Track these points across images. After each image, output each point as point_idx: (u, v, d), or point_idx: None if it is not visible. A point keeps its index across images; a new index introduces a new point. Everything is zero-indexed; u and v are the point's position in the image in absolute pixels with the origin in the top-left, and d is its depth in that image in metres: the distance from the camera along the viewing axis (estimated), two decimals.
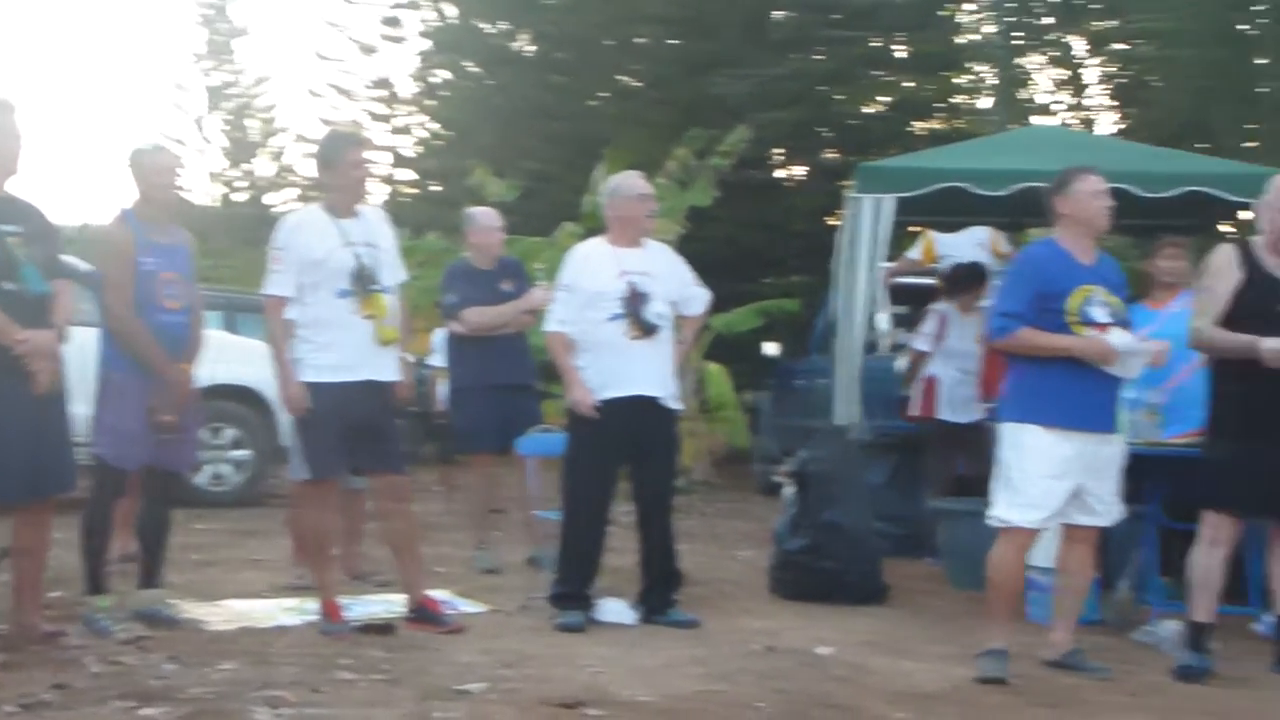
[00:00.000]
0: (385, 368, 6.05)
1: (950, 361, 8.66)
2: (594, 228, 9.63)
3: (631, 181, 6.65)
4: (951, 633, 6.32)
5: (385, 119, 26.93)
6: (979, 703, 5.03)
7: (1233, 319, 5.53)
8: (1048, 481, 5.43)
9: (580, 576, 6.42)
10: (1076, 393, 5.43)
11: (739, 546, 9.39)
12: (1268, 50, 10.60)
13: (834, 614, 6.73)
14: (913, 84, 19.32)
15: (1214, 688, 5.37)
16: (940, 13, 18.98)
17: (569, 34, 19.03)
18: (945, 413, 8.63)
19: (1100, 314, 5.47)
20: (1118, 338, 5.44)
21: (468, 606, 6.74)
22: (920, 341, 8.83)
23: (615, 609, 6.47)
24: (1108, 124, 16.08)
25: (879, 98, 19.79)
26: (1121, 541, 6.88)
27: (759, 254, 17.59)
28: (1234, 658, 5.82)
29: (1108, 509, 5.60)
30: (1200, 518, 5.66)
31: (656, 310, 6.41)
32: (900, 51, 19.42)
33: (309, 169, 29.08)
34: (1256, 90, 10.61)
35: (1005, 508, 5.51)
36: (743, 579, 7.85)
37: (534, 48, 20.76)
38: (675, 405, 6.57)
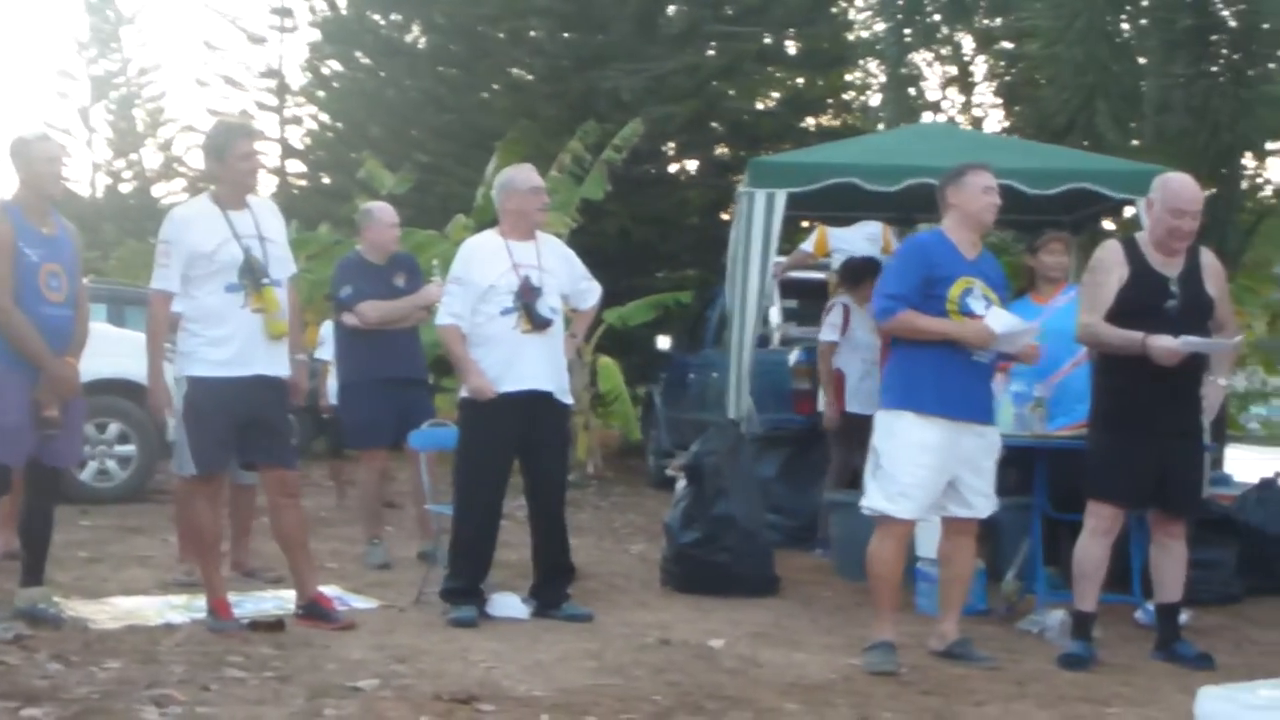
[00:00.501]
0: (275, 362, 5.98)
1: (855, 354, 8.70)
2: (486, 221, 9.60)
3: (524, 175, 6.63)
4: (841, 624, 6.38)
5: (275, 110, 26.68)
6: (869, 693, 5.08)
7: (1118, 314, 5.63)
8: (920, 471, 5.48)
9: (473, 571, 6.39)
10: (952, 382, 5.50)
11: (632, 540, 9.41)
12: (1149, 49, 10.82)
13: (726, 606, 6.76)
14: (804, 80, 19.47)
15: (1097, 675, 5.47)
16: (831, 10, 19.14)
17: (461, 26, 18.92)
18: (852, 405, 8.68)
19: (979, 306, 5.55)
20: (996, 319, 5.52)
21: (359, 602, 6.69)
22: (827, 332, 8.87)
23: (508, 603, 6.45)
24: (995, 121, 16.35)
25: (771, 93, 19.93)
26: (1008, 533, 7.01)
27: (652, 248, 17.63)
28: (1116, 645, 5.95)
29: (983, 501, 5.68)
30: (1085, 508, 5.76)
31: (549, 304, 6.40)
32: (791, 48, 19.57)
33: (197, 160, 28.68)
34: (1138, 89, 10.82)
35: (877, 497, 5.57)
36: (635, 572, 7.87)
37: (426, 40, 20.62)
38: (567, 399, 6.57)
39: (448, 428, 7.05)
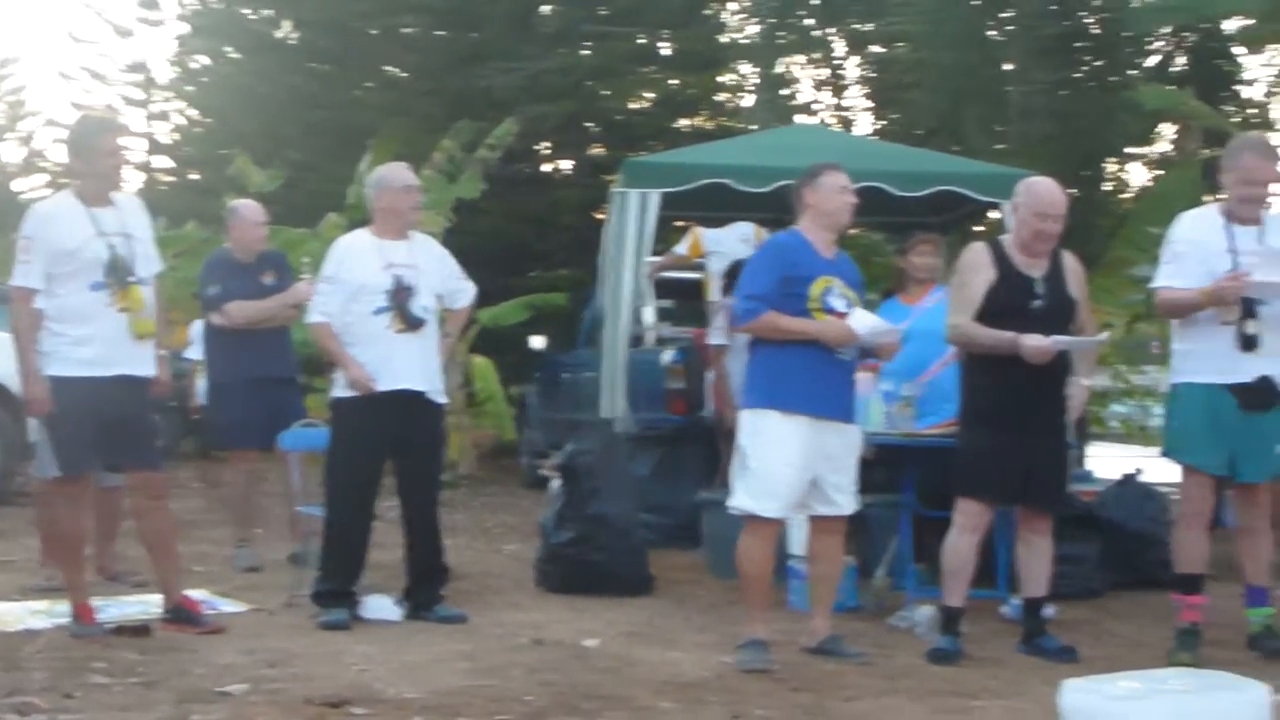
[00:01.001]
0: (141, 362, 5.87)
1: (739, 355, 8.72)
2: (359, 219, 9.50)
3: (397, 173, 6.59)
4: (714, 622, 6.42)
5: (141, 104, 26.13)
6: (742, 690, 5.12)
7: (986, 315, 5.72)
8: (786, 469, 5.53)
9: (345, 573, 6.33)
10: (814, 380, 5.55)
11: (506, 540, 9.38)
12: (1015, 56, 11.04)
13: (601, 606, 6.77)
14: (678, 81, 19.56)
15: (965, 668, 5.56)
16: (705, 12, 19.25)
17: (333, 22, 18.71)
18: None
19: (840, 304, 5.61)
20: (859, 321, 5.59)
21: (228, 606, 6.59)
22: (714, 335, 8.90)
23: (381, 605, 6.40)
24: (866, 124, 16.53)
25: (645, 94, 19.98)
26: (878, 530, 7.11)
27: (526, 247, 17.59)
28: (983, 639, 6.05)
29: (846, 499, 5.74)
30: (954, 506, 5.86)
31: (422, 303, 6.36)
32: (666, 49, 19.64)
33: (60, 155, 28.00)
34: (1005, 94, 11.04)
35: (744, 496, 5.60)
36: (509, 573, 7.85)
37: (297, 35, 20.36)
38: (441, 399, 6.53)
39: (319, 428, 6.97)
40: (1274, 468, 5.98)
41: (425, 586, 6.49)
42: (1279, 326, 5.77)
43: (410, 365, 6.30)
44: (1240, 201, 5.80)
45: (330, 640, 5.85)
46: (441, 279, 6.58)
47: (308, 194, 16.12)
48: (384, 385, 6.25)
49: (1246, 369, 5.70)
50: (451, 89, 17.37)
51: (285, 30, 20.69)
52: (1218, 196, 6.32)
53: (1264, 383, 5.72)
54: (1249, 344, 5.67)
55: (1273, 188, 5.98)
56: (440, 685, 5.05)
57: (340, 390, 6.36)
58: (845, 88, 16.85)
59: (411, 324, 6.29)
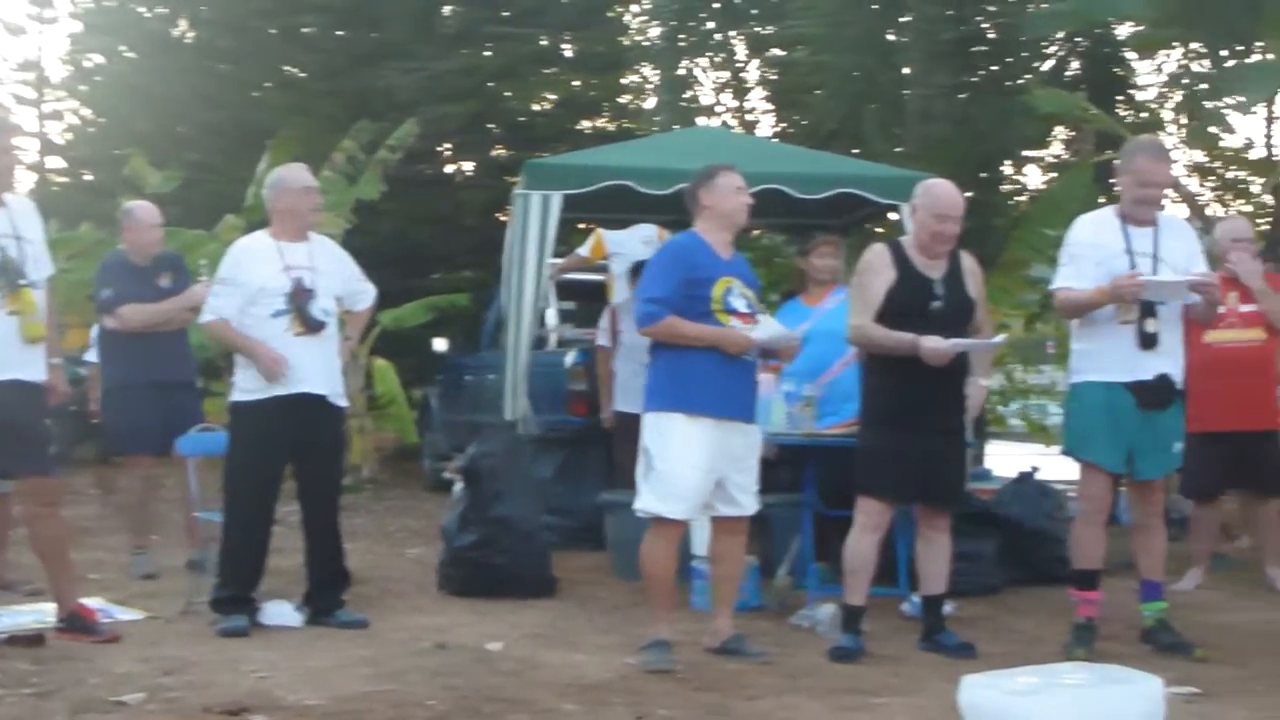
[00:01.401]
0: (31, 366, 5.75)
1: (632, 354, 8.74)
2: (256, 221, 9.39)
3: (296, 174, 6.52)
4: (618, 623, 6.42)
5: (34, 103, 25.64)
6: (646, 691, 5.13)
7: (886, 316, 5.77)
8: (691, 471, 5.54)
9: (244, 579, 6.25)
10: (718, 382, 5.57)
11: (408, 544, 9.32)
12: (913, 60, 11.16)
13: (504, 609, 6.75)
14: (580, 83, 19.56)
15: (866, 666, 5.61)
16: (607, 14, 19.26)
17: (231, 21, 18.48)
18: (620, 404, 8.71)
19: (741, 304, 5.65)
20: (761, 329, 5.62)
21: (124, 614, 6.49)
22: (600, 336, 8.91)
23: (281, 611, 6.33)
24: (768, 126, 16.63)
25: (547, 95, 19.95)
26: (780, 530, 7.15)
27: (428, 249, 17.49)
28: (884, 637, 6.11)
29: (749, 499, 5.77)
30: (855, 505, 5.90)
31: (322, 306, 6.30)
32: (568, 50, 19.63)
33: None
34: (904, 97, 11.15)
35: (650, 499, 5.61)
36: (412, 576, 7.80)
37: (194, 34, 20.08)
38: (342, 402, 6.48)
39: (217, 432, 6.88)
40: (1171, 465, 6.11)
41: (326, 592, 6.43)
42: (1176, 326, 5.89)
43: (310, 368, 6.24)
44: (1135, 203, 5.91)
45: (229, 647, 5.78)
46: (342, 281, 6.52)
47: (205, 195, 15.90)
48: (283, 389, 6.18)
49: (1146, 367, 5.81)
50: (352, 89, 17.22)
51: (182, 29, 20.40)
52: (1112, 198, 6.44)
53: (1162, 381, 5.84)
54: (1148, 342, 5.78)
55: (1166, 190, 6.12)
56: (342, 691, 5.01)
57: (239, 394, 6.28)
58: (747, 90, 16.96)
59: (311, 327, 6.23)
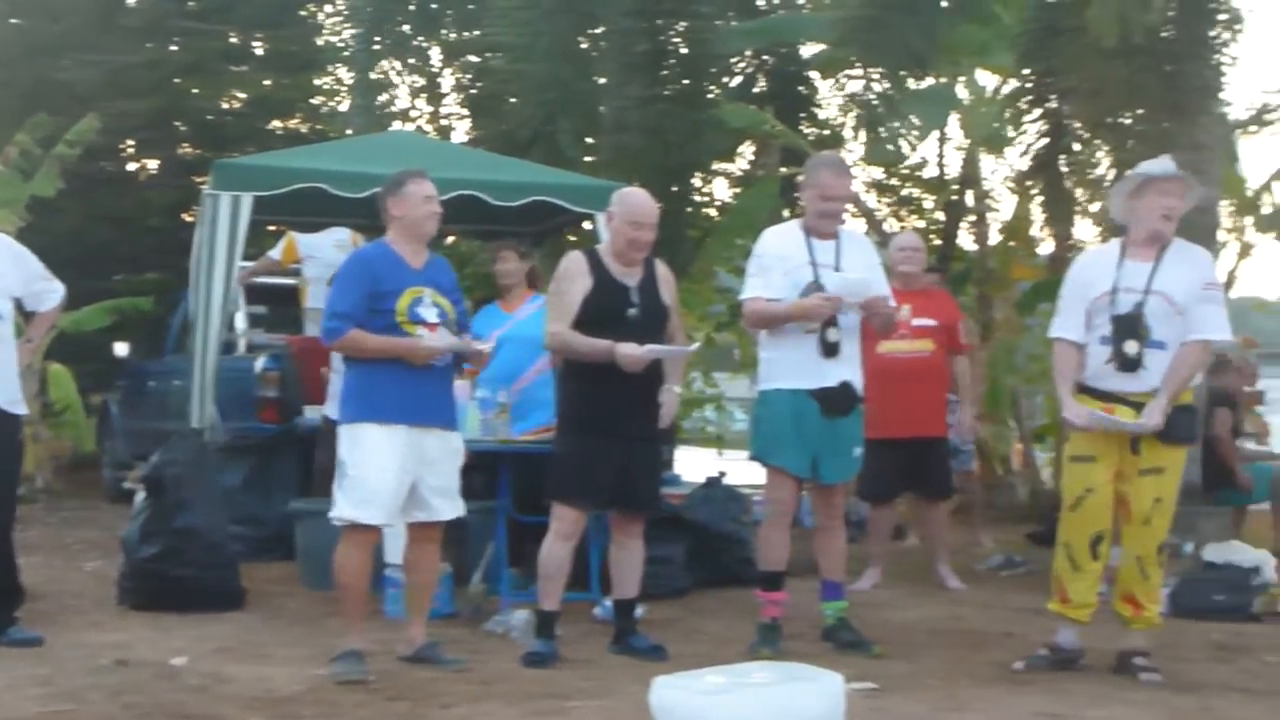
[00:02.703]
0: None
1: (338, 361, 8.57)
2: None
3: None
4: (309, 634, 6.31)
5: None
6: (337, 703, 5.05)
7: (583, 322, 5.84)
8: (384, 476, 5.50)
9: None
10: (408, 390, 5.55)
11: (86, 556, 8.95)
12: (608, 70, 11.29)
13: (189, 622, 6.54)
14: (271, 82, 19.13)
15: (559, 671, 5.66)
16: (300, 13, 18.89)
17: None
18: (330, 409, 8.53)
19: (430, 314, 5.62)
20: (438, 339, 5.61)
21: None
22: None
23: None
24: (463, 132, 16.56)
25: (237, 94, 19.44)
26: (474, 536, 7.15)
27: (110, 249, 16.84)
28: (577, 641, 6.17)
29: (446, 504, 5.75)
30: (549, 511, 5.95)
31: None
32: (259, 49, 19.18)
33: None
34: (598, 107, 11.28)
35: (345, 506, 5.55)
36: (90, 591, 7.49)
37: None
38: (20, 409, 6.18)
39: None
40: (852, 469, 6.37)
41: None
42: (855, 335, 6.15)
43: None
44: (819, 216, 6.13)
45: None
46: (21, 280, 6.22)
47: None
48: None
49: (829, 375, 6.04)
50: (26, 81, 16.49)
51: None
52: (796, 212, 6.68)
53: (845, 388, 6.08)
54: (830, 351, 6.02)
55: (847, 203, 6.37)
56: (14, 713, 4.77)
57: None
58: (443, 96, 16.85)
59: None
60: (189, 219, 14.89)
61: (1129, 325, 5.56)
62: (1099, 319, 5.64)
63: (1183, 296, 5.57)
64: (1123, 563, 5.75)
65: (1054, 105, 10.84)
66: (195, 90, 18.41)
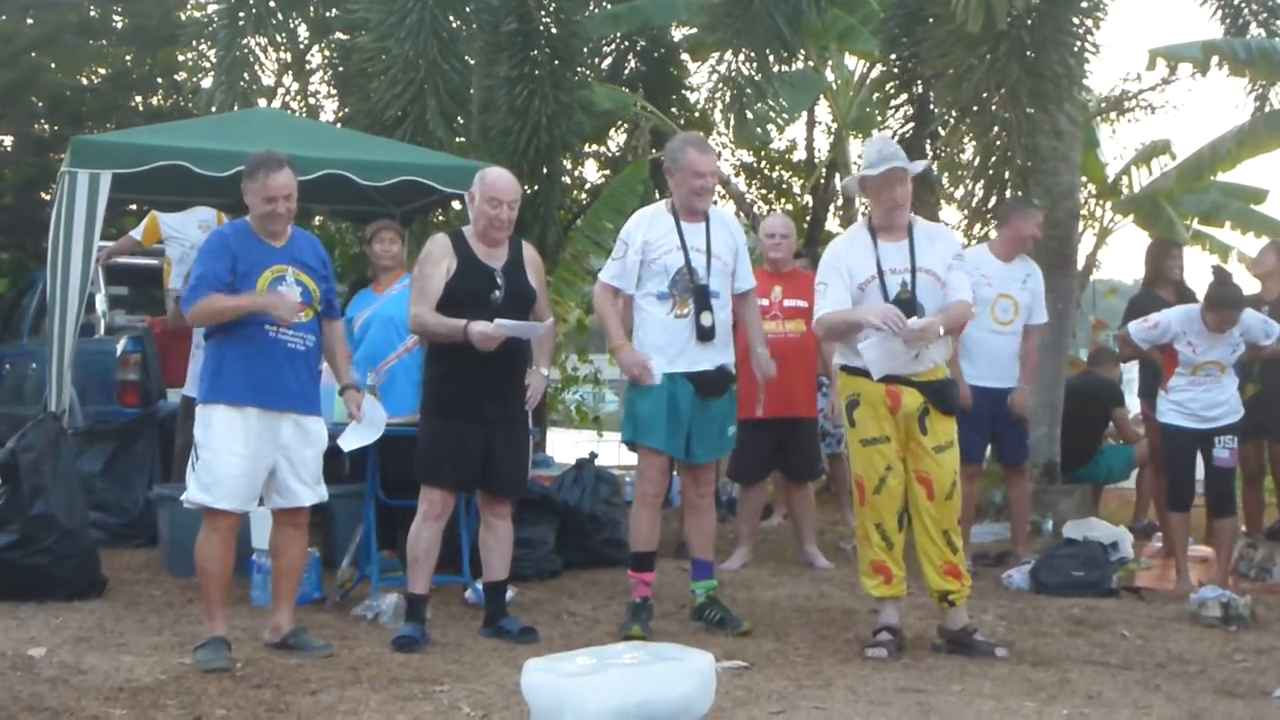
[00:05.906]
0: None
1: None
2: None
3: None
4: (171, 622, 6.20)
5: None
6: (200, 691, 4.96)
7: (448, 304, 5.81)
8: (235, 460, 5.43)
9: None
10: (264, 372, 5.48)
11: None
12: (475, 50, 11.20)
13: (46, 612, 6.38)
14: (131, 57, 18.71)
15: (429, 655, 5.61)
16: None
17: None
18: (192, 390, 8.38)
19: (295, 292, 5.54)
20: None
21: None
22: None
23: None
24: (331, 111, 16.35)
25: (96, 69, 19.00)
26: (343, 520, 7.08)
27: None
28: (447, 625, 6.15)
29: (306, 491, 5.67)
30: (418, 494, 5.90)
31: None
32: (119, 22, 18.74)
33: None
34: (466, 87, 11.18)
35: (195, 489, 5.48)
36: None
37: None
38: None
39: None
40: (724, 449, 6.43)
41: None
42: (727, 318, 6.20)
43: None
44: (692, 194, 6.15)
45: None
46: None
47: None
48: None
49: (705, 358, 6.08)
50: None
51: None
52: (666, 194, 6.68)
53: (720, 371, 6.13)
54: (705, 335, 6.05)
55: (715, 180, 6.41)
56: None
57: None
58: (310, 73, 16.62)
59: None
60: (45, 197, 14.49)
61: (905, 307, 5.65)
62: (870, 302, 5.73)
63: (942, 270, 5.77)
64: (924, 541, 5.79)
65: (920, 91, 11.00)
66: (51, 64, 17.95)
